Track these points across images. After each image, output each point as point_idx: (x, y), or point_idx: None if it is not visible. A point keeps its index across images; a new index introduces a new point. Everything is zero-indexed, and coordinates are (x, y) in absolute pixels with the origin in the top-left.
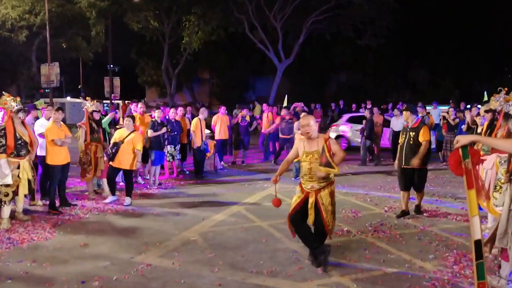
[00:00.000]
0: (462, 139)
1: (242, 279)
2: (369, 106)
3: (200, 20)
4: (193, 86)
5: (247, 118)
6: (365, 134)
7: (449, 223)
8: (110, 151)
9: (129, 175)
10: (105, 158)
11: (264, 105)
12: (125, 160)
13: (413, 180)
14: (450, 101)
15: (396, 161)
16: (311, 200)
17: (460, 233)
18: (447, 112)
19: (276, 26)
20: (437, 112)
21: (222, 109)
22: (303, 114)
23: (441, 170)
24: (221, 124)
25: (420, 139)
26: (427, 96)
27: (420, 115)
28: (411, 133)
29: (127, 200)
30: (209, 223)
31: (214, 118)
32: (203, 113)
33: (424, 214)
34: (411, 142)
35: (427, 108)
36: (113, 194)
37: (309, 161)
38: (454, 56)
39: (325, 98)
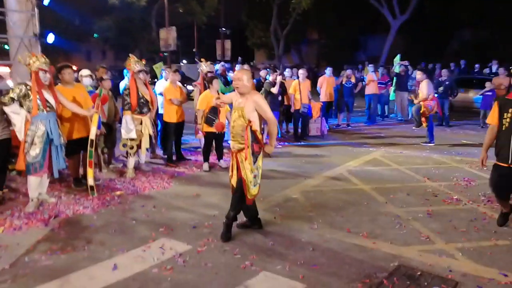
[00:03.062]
0: None
1: (341, 238)
2: (495, 66)
3: None
4: (301, 47)
5: (352, 79)
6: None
7: None
8: (212, 117)
9: (222, 139)
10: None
11: (371, 66)
12: (224, 123)
13: None
14: None
15: (484, 153)
16: (232, 162)
17: None
18: None
19: None
20: None
21: (328, 70)
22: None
23: None
24: (326, 86)
25: None
26: None
27: None
28: None
29: (223, 163)
30: (311, 183)
31: (320, 79)
32: (302, 74)
33: None
34: None
35: None
36: (207, 160)
37: (234, 118)
38: None
39: (446, 57)
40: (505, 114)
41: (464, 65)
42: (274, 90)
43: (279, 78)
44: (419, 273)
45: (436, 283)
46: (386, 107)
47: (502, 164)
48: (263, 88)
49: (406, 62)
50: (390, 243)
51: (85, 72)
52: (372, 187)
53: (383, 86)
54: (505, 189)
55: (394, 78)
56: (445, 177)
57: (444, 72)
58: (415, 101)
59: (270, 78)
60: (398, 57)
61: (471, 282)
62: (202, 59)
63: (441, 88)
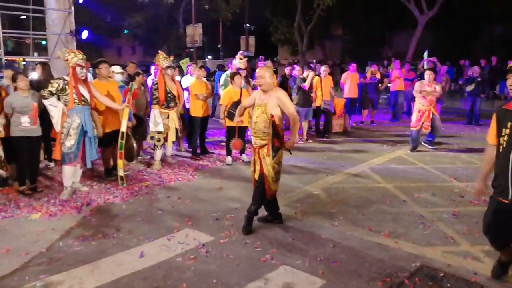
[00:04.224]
0: None
1: (362, 236)
2: None
3: None
4: (325, 43)
5: (377, 75)
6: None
7: None
8: (234, 112)
9: (244, 133)
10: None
11: (396, 62)
12: (245, 117)
13: None
14: None
15: (482, 183)
16: (255, 157)
17: None
18: None
19: None
20: None
21: (352, 66)
22: (265, 63)
23: None
24: (350, 82)
25: None
26: None
27: None
28: None
29: (245, 157)
30: (333, 179)
31: (344, 75)
32: (324, 70)
33: None
34: None
35: None
36: (230, 154)
37: (256, 114)
38: None
39: (475, 53)
40: (504, 130)
41: (496, 62)
42: (305, 85)
43: (311, 74)
44: (442, 274)
45: (460, 286)
46: (412, 104)
47: (500, 199)
48: (296, 85)
49: (434, 59)
50: (413, 243)
51: (117, 69)
52: (396, 185)
53: (409, 82)
54: (503, 233)
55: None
56: (472, 178)
57: (475, 69)
58: (424, 94)
59: (304, 74)
60: (425, 53)
61: (497, 286)
62: (240, 57)
63: (472, 86)
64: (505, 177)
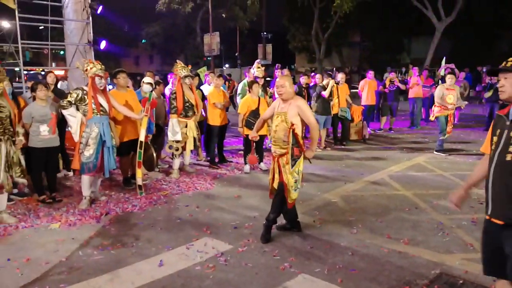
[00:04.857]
0: None
1: (381, 244)
2: None
3: None
4: (342, 50)
5: (396, 82)
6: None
7: None
8: (252, 120)
9: (262, 142)
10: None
11: (414, 69)
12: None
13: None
14: None
15: (462, 190)
16: (274, 166)
17: None
18: None
19: None
20: None
21: (370, 73)
22: (282, 72)
23: None
24: (368, 89)
25: None
26: None
27: None
28: None
29: (263, 165)
30: (351, 187)
31: (362, 83)
32: (341, 78)
33: None
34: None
35: None
36: (247, 163)
37: (276, 123)
38: None
39: (494, 60)
40: (494, 137)
41: None
42: (325, 93)
43: (331, 82)
44: (461, 281)
45: None
46: (430, 110)
47: (485, 215)
48: (315, 93)
49: (452, 65)
50: (432, 250)
51: (147, 79)
52: (414, 193)
53: (427, 89)
54: (490, 257)
55: (439, 81)
56: None
57: None
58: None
59: (324, 82)
60: (443, 60)
61: None
62: (258, 66)
63: (490, 92)
64: (486, 190)
